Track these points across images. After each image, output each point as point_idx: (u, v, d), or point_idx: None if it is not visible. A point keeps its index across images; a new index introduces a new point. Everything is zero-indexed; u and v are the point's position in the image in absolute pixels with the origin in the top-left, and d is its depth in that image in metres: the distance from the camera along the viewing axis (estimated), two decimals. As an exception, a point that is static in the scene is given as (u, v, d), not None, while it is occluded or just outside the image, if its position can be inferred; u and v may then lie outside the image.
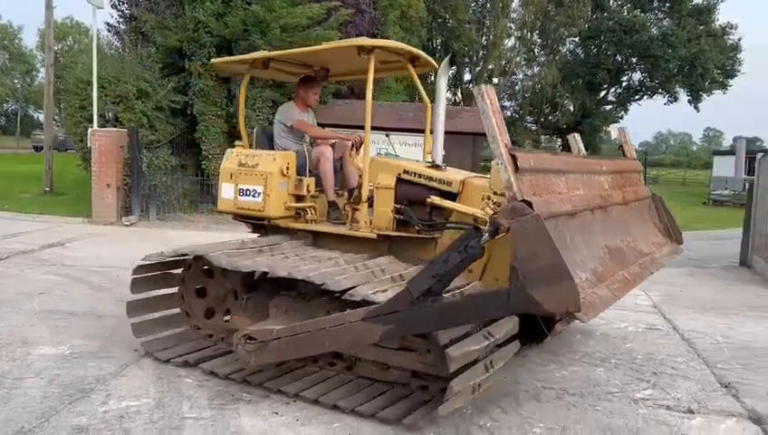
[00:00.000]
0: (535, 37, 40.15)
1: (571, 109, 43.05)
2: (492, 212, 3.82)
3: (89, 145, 12.74)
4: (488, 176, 4.28)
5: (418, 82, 5.50)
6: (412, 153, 16.39)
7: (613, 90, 43.59)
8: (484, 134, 13.68)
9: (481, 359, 3.45)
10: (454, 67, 38.48)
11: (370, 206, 4.72)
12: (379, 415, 3.59)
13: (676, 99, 40.64)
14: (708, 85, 39.17)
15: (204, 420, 3.60)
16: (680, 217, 6.66)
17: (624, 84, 43.28)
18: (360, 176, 5.10)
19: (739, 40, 38.74)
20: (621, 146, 5.50)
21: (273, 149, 5.38)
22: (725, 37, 38.64)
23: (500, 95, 42.40)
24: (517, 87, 43.17)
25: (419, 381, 3.86)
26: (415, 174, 4.43)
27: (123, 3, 16.51)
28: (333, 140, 5.47)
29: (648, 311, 6.68)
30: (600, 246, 3.79)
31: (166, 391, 3.98)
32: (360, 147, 5.35)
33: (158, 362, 4.49)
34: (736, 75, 39.70)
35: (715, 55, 37.12)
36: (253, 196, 4.94)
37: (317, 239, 4.92)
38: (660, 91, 40.96)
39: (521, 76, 43.01)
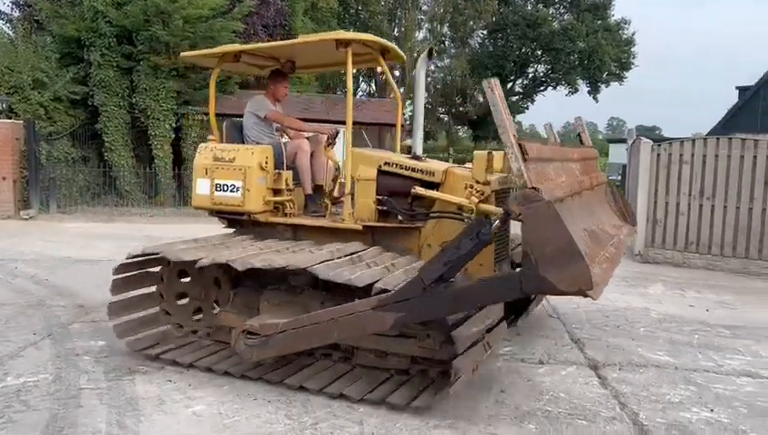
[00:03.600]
0: (445, 29, 41.22)
1: (481, 100, 44.52)
2: (477, 201, 4.10)
3: (-19, 137, 12.32)
4: (468, 165, 4.53)
5: (389, 75, 5.61)
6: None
7: (519, 81, 45.46)
8: (388, 124, 14.39)
9: (480, 341, 3.70)
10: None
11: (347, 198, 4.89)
12: (388, 400, 3.70)
13: (576, 90, 42.89)
14: (605, 77, 41.62)
15: (100, 389, 3.88)
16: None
17: (530, 76, 45.24)
18: (337, 168, 5.26)
19: (633, 35, 41.35)
20: (579, 134, 5.86)
21: (243, 141, 5.38)
22: (620, 32, 41.13)
23: (412, 87, 43.29)
24: (429, 78, 44.17)
25: (419, 366, 4.00)
26: (396, 165, 4.52)
27: (16, -11, 15.88)
28: (309, 133, 5.54)
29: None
30: (581, 229, 3.97)
31: (64, 368, 4.22)
32: (335, 139, 5.42)
33: (55, 344, 4.70)
34: (631, 68, 42.37)
35: (611, 49, 39.46)
36: (231, 191, 4.89)
37: (297, 232, 4.95)
38: (562, 82, 43.08)
39: (432, 68, 44.01)
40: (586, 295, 2.99)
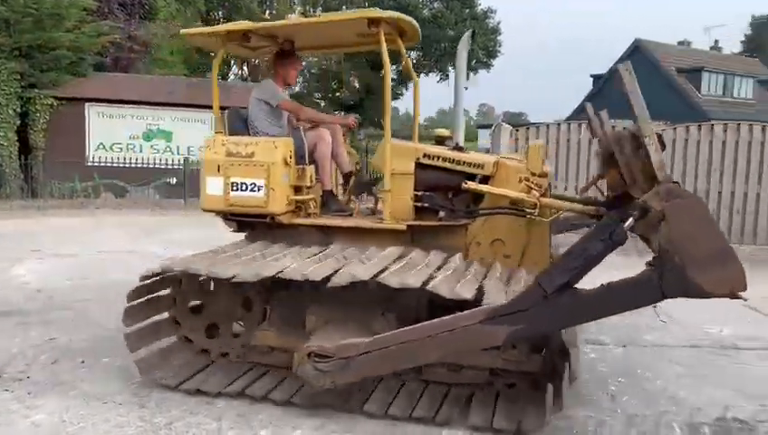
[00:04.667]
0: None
1: (356, 86, 44.76)
2: (538, 194, 3.86)
3: None
4: (516, 156, 4.27)
5: (408, 59, 5.04)
6: (187, 130, 16.09)
7: (393, 67, 46.20)
8: None
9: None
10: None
11: (369, 193, 4.56)
12: (471, 422, 3.35)
13: (447, 76, 44.26)
14: (474, 64, 43.28)
15: None
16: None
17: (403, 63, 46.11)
18: (358, 162, 4.80)
19: (498, 23, 43.29)
20: (588, 120, 5.70)
21: (248, 133, 4.79)
22: (487, 21, 42.91)
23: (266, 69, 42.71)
24: (304, 63, 43.71)
25: (502, 379, 3.67)
26: (438, 158, 4.19)
27: None
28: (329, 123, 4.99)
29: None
30: None
31: None
32: (354, 130, 4.96)
33: None
34: (497, 56, 44.37)
35: (478, 37, 41.04)
36: (252, 190, 4.30)
37: (326, 235, 4.43)
38: (434, 69, 44.28)
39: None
40: (736, 297, 2.79)
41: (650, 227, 2.86)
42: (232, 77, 37.42)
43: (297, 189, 4.47)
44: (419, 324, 3.27)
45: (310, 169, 4.54)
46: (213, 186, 4.41)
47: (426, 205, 4.16)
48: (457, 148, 4.40)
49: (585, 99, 35.37)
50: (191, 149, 15.97)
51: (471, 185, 4.02)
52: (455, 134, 4.55)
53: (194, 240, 9.96)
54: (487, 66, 44.08)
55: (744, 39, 49.46)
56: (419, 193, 4.17)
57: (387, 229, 4.17)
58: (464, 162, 4.15)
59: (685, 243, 2.74)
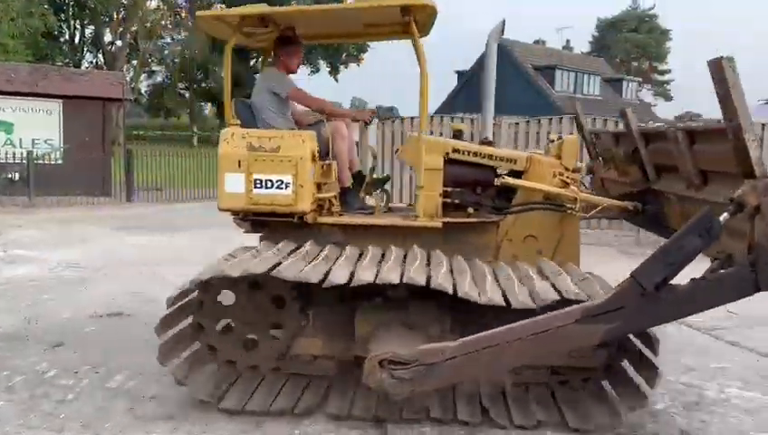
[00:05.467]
0: (181, 1, 39.24)
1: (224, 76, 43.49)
2: (577, 189, 3.84)
3: None
4: (539, 150, 4.17)
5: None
6: (31, 121, 14.82)
7: (262, 58, 45.41)
8: (114, 99, 12.95)
9: None
10: (92, 28, 35.63)
11: (380, 189, 4.45)
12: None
13: (318, 70, 44.27)
14: (344, 58, 43.62)
15: None
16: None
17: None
18: (375, 157, 4.59)
19: (368, 18, 43.92)
20: (577, 117, 5.49)
21: (257, 125, 4.40)
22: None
23: (147, 60, 40.66)
24: (166, 52, 41.71)
25: (573, 377, 3.55)
26: (469, 153, 4.09)
27: None
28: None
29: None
30: None
31: None
32: (371, 123, 4.72)
33: None
34: (367, 50, 44.99)
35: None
36: (278, 187, 3.97)
37: (349, 234, 4.17)
38: (304, 62, 44.05)
39: (169, 40, 41.61)
40: None
41: (741, 223, 2.86)
42: (86, 65, 35.11)
43: (318, 187, 4.23)
44: (510, 326, 3.05)
45: (334, 165, 4.34)
46: (233, 183, 4.04)
47: (456, 201, 4.08)
48: (486, 142, 4.38)
49: (451, 94, 36.88)
50: (36, 141, 14.67)
51: (508, 180, 4.01)
52: (483, 127, 4.68)
53: (40, 240, 9.20)
54: (357, 60, 44.61)
55: (591, 40, 53.81)
56: (448, 189, 4.08)
57: (419, 227, 4.05)
58: (496, 157, 4.13)
59: None
